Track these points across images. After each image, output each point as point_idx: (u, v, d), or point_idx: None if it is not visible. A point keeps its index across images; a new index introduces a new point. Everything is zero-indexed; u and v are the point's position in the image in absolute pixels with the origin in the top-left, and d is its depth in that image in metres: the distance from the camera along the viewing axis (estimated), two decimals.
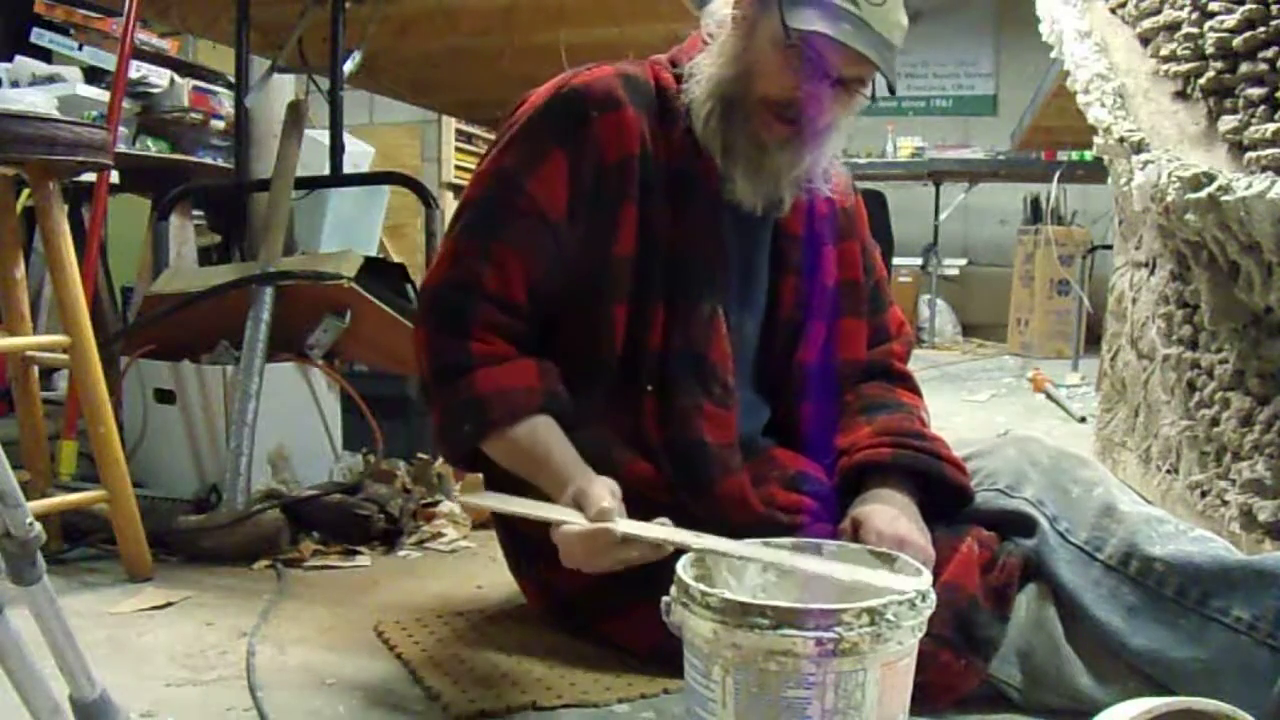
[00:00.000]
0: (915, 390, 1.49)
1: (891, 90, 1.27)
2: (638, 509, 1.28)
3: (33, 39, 3.35)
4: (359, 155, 3.63)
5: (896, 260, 5.45)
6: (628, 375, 1.30)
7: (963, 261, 6.73)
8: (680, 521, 1.09)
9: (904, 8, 1.27)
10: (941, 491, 1.31)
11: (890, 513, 1.24)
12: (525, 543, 1.41)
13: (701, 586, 0.92)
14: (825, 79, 1.23)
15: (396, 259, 2.60)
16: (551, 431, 1.25)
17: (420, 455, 2.12)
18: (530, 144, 1.30)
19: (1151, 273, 2.11)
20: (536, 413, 1.25)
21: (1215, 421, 1.76)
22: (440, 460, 2.12)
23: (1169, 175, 1.63)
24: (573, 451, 1.23)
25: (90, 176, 2.33)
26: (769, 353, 1.41)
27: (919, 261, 6.13)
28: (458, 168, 5.98)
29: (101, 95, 2.90)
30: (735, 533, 1.21)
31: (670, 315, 1.30)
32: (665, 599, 0.96)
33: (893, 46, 1.24)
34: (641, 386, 1.29)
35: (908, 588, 0.93)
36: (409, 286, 2.42)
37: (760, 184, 1.30)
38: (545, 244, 1.28)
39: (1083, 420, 3.27)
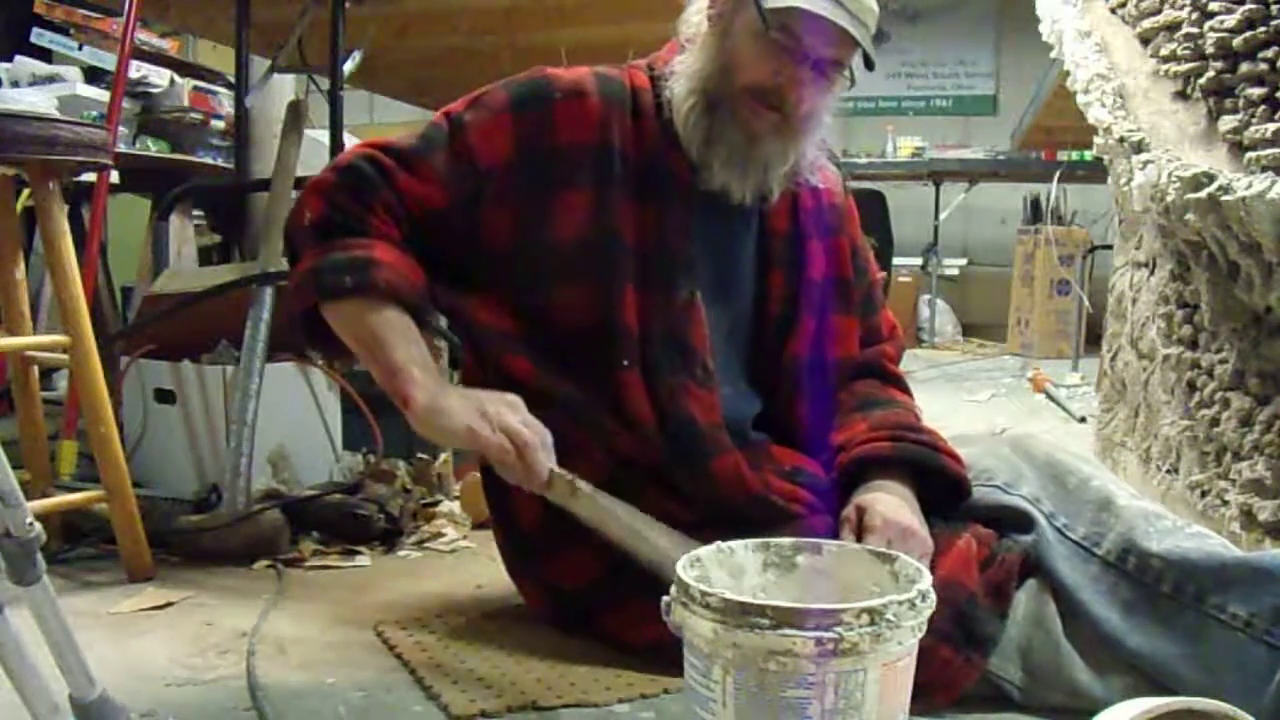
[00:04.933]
0: (907, 391, 1.50)
1: (870, 65, 1.29)
2: (632, 484, 1.28)
3: (33, 39, 3.35)
4: None
5: (896, 260, 5.44)
6: (600, 354, 1.30)
7: (963, 261, 6.72)
8: (674, 498, 1.10)
9: None
10: (940, 485, 1.32)
11: (894, 501, 1.25)
12: (523, 543, 1.42)
13: (702, 586, 0.92)
14: (804, 61, 1.26)
15: None
16: (417, 333, 1.27)
17: (420, 455, 2.12)
18: (486, 108, 1.34)
19: (1151, 273, 2.11)
20: (414, 308, 1.27)
21: (1215, 421, 1.76)
22: (440, 461, 2.12)
23: (1169, 175, 1.63)
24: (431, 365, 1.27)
25: (90, 176, 2.33)
26: (759, 347, 1.42)
27: (919, 261, 6.12)
28: None
29: (101, 95, 2.90)
30: (731, 511, 1.24)
31: (647, 301, 1.31)
32: (665, 599, 0.96)
33: (867, 26, 1.27)
34: (618, 363, 1.30)
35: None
36: None
37: (749, 173, 1.33)
38: (465, 186, 1.31)
39: (1083, 420, 3.27)
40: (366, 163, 1.31)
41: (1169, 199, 1.63)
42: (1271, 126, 1.58)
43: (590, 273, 1.31)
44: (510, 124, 1.32)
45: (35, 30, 3.36)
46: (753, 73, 1.28)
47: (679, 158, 1.34)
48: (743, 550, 1.06)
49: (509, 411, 1.19)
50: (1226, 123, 1.67)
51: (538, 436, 1.18)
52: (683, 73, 1.34)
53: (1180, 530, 1.20)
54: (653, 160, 1.34)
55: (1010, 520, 1.28)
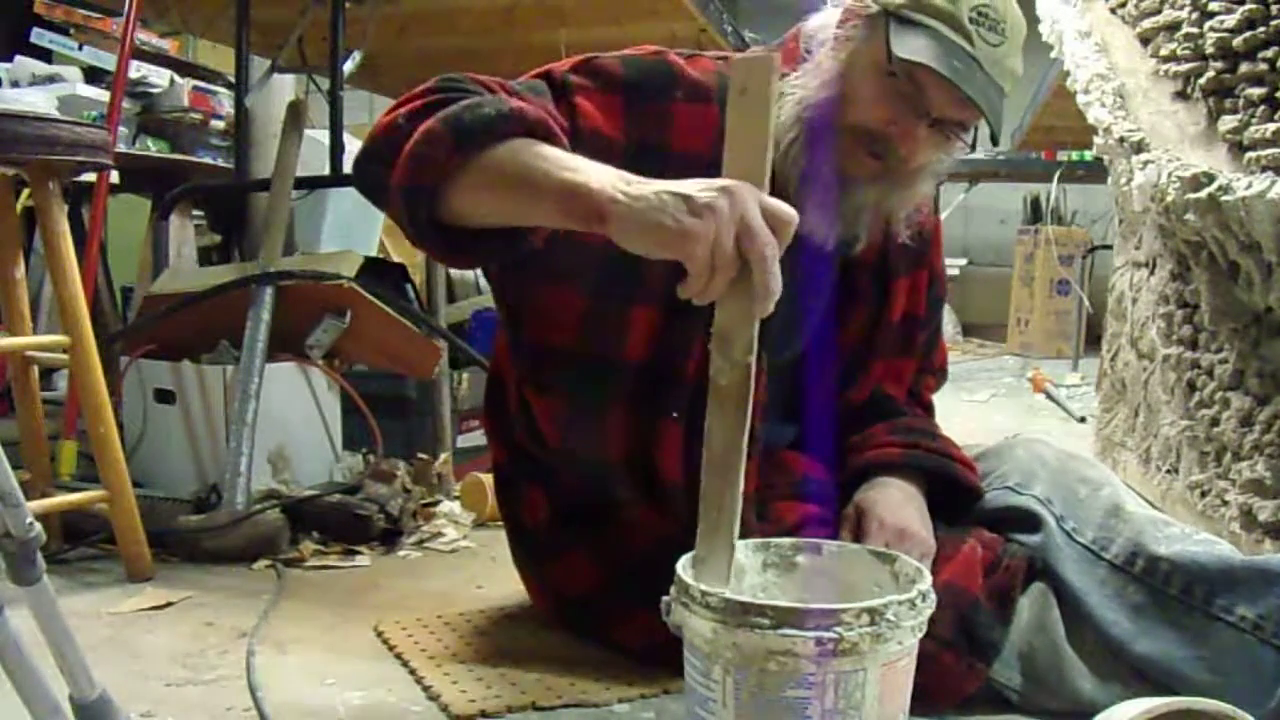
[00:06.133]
0: (932, 417, 1.49)
1: (994, 141, 1.17)
2: (642, 539, 1.27)
3: (33, 39, 3.35)
4: None
5: None
6: (654, 396, 1.23)
7: (963, 261, 6.72)
8: (682, 549, 0.99)
9: (1020, 55, 1.17)
10: (952, 491, 1.32)
11: (895, 500, 1.25)
12: (528, 541, 1.41)
13: (702, 586, 0.92)
14: (923, 117, 1.14)
15: (396, 259, 2.60)
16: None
17: (420, 455, 2.12)
18: (597, 77, 1.18)
19: (1151, 273, 2.11)
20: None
21: (1215, 421, 1.76)
22: (440, 461, 2.12)
23: (1169, 175, 1.63)
24: None
25: (90, 176, 2.33)
26: (815, 385, 1.35)
27: None
28: None
29: (101, 95, 2.90)
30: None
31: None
32: (665, 599, 0.96)
33: (1002, 92, 1.15)
34: (666, 411, 1.22)
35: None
36: (409, 286, 2.42)
37: (837, 219, 1.20)
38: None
39: (1083, 420, 3.27)
40: (460, 76, 1.09)
41: (1169, 199, 1.63)
42: (1271, 126, 1.58)
43: (672, 301, 1.17)
44: (622, 106, 1.17)
45: (35, 30, 3.36)
46: (865, 113, 1.15)
47: (776, 190, 1.16)
48: (743, 550, 1.06)
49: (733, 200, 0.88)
50: (1226, 123, 1.67)
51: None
52: (793, 96, 1.19)
53: (1188, 537, 1.20)
54: None
55: (1016, 521, 1.27)
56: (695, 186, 0.89)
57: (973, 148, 1.21)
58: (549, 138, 1.01)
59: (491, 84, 1.10)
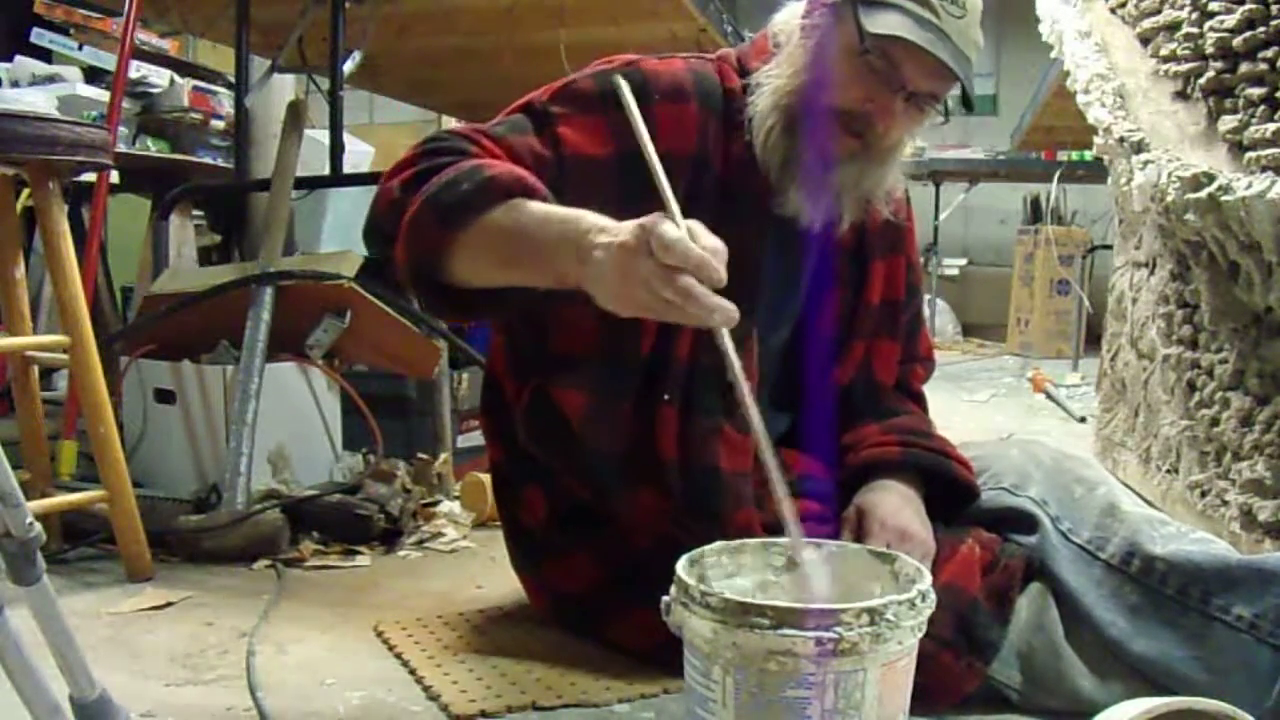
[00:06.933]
0: (925, 409, 1.50)
1: (969, 106, 1.22)
2: (640, 538, 1.27)
3: (33, 39, 3.35)
4: (359, 155, 3.63)
5: None
6: (649, 382, 1.25)
7: (963, 261, 6.72)
8: (680, 548, 1.01)
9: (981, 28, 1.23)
10: (948, 490, 1.32)
11: (895, 502, 1.25)
12: (528, 541, 1.41)
13: (702, 586, 0.92)
14: (899, 91, 1.18)
15: None
16: (553, 205, 1.07)
17: (420, 455, 2.12)
18: (574, 101, 1.23)
19: (1151, 273, 2.11)
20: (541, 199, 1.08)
21: (1215, 421, 1.76)
22: (440, 461, 2.12)
23: (1169, 175, 1.63)
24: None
25: (90, 176, 2.33)
26: (803, 370, 1.37)
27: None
28: None
29: (101, 95, 2.90)
30: None
31: (700, 332, 1.21)
32: (665, 599, 0.96)
33: (969, 61, 1.20)
34: (659, 396, 1.24)
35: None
36: None
37: (820, 199, 1.24)
38: (546, 175, 1.14)
39: (1083, 420, 3.27)
40: (445, 135, 1.18)
41: (1169, 199, 1.63)
42: (1271, 126, 1.58)
43: None
44: (605, 124, 1.20)
45: (35, 30, 3.36)
46: (842, 95, 1.20)
47: (760, 181, 1.25)
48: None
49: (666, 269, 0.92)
50: (1226, 123, 1.67)
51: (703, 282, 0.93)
52: (768, 86, 1.24)
53: (1184, 536, 1.20)
54: (735, 180, 1.26)
55: (1015, 521, 1.27)
56: (601, 245, 0.96)
57: (946, 118, 1.26)
58: (527, 193, 1.07)
59: (475, 135, 1.17)
